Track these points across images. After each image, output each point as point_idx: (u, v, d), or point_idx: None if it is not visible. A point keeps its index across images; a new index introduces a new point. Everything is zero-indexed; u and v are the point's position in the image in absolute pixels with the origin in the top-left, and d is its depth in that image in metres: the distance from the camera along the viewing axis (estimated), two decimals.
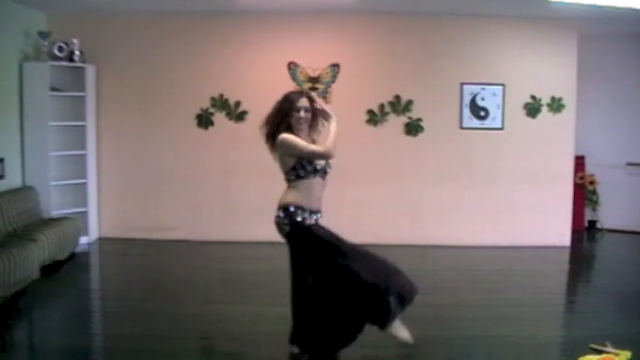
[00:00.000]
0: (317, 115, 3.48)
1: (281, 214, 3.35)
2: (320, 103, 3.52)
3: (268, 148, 3.47)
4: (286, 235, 3.38)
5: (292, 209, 3.32)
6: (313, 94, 3.70)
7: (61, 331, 4.19)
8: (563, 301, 5.22)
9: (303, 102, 3.40)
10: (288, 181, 3.41)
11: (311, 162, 3.33)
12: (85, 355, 3.72)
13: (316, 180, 3.38)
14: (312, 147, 3.34)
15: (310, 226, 3.35)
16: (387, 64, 6.71)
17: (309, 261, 3.38)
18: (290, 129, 3.38)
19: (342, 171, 6.48)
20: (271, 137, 3.42)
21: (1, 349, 3.75)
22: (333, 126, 3.42)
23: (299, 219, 3.32)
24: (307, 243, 3.36)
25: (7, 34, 5.90)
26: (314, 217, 3.39)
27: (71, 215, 6.20)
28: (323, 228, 3.41)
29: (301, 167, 3.33)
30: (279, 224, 3.38)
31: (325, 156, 3.34)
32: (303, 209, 3.33)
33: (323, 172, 3.42)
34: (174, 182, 6.80)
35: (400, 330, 3.36)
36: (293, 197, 3.35)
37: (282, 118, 3.38)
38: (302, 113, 3.38)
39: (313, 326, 3.40)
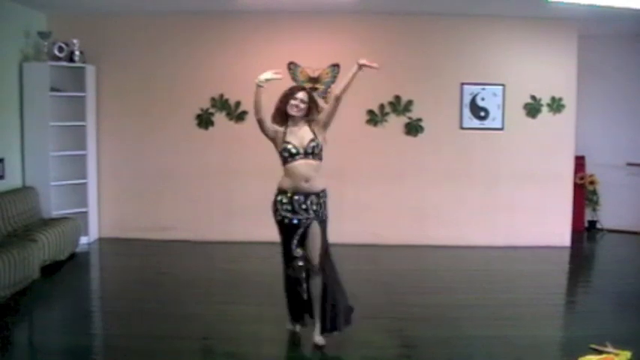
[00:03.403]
0: (313, 110, 3.75)
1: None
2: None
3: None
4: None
5: (276, 192, 3.70)
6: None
7: (61, 331, 4.18)
8: (563, 301, 5.22)
9: (301, 95, 3.72)
10: None
11: (285, 148, 3.63)
12: (85, 355, 3.72)
13: (299, 162, 3.63)
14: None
15: (282, 219, 3.66)
16: (386, 64, 6.60)
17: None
18: (285, 117, 3.72)
19: (342, 171, 6.55)
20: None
21: (1, 349, 3.75)
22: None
23: (275, 207, 3.69)
24: (280, 229, 3.74)
25: (7, 34, 5.90)
26: (301, 217, 3.65)
27: (71, 215, 6.20)
28: (293, 230, 3.67)
29: (279, 154, 3.70)
30: None
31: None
32: (285, 192, 3.65)
33: (305, 154, 3.64)
34: (174, 182, 6.80)
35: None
36: (280, 182, 3.71)
37: (280, 104, 3.73)
38: (297, 102, 3.68)
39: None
